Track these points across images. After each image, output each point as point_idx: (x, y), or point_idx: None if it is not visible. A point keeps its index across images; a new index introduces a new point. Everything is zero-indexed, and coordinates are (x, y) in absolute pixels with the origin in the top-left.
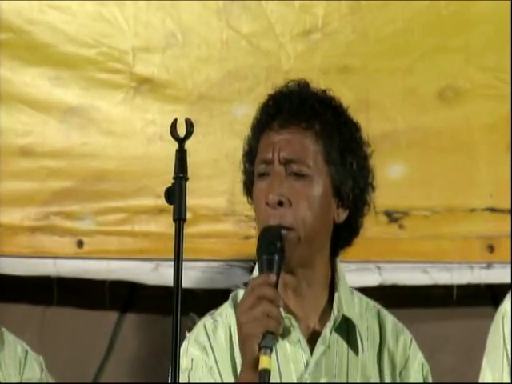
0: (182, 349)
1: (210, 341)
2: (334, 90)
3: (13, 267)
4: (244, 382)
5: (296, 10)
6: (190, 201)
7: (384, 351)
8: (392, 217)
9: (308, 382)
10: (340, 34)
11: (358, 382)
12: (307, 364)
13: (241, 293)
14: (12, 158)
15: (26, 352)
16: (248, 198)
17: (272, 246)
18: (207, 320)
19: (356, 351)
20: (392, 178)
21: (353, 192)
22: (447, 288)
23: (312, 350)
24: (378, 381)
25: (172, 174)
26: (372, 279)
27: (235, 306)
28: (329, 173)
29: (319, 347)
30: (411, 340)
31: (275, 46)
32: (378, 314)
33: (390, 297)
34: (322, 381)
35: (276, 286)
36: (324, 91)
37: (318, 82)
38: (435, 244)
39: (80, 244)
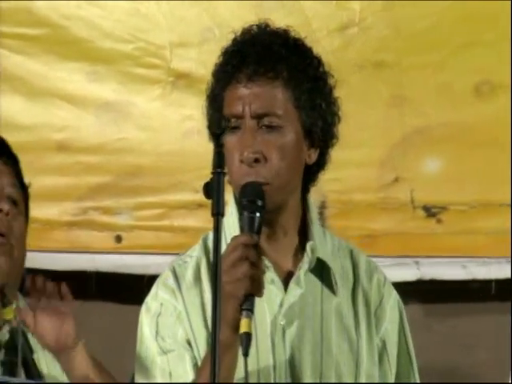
0: (150, 292)
1: (178, 284)
2: (368, 85)
3: (51, 262)
4: (222, 339)
5: (332, 6)
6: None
7: (358, 290)
8: (430, 211)
9: (282, 323)
10: (375, 29)
11: (333, 321)
12: (281, 304)
13: (211, 235)
14: (48, 153)
15: None
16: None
17: (253, 204)
18: (176, 262)
19: (331, 291)
20: (428, 173)
21: (322, 131)
22: (484, 282)
23: (286, 290)
24: (352, 320)
25: (209, 169)
26: (410, 274)
27: (205, 247)
28: (299, 118)
29: (293, 287)
30: (385, 278)
31: (311, 41)
32: (351, 253)
33: (427, 291)
34: (296, 322)
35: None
36: (286, 31)
37: (354, 77)
38: (472, 239)
39: (118, 239)
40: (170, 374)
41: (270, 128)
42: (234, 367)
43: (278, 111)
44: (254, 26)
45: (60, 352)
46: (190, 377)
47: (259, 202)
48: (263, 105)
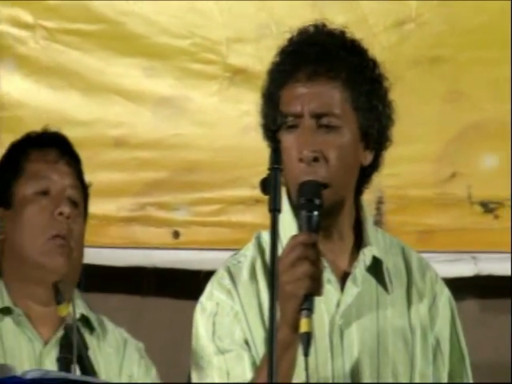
0: (205, 292)
1: (234, 283)
2: (425, 81)
3: (108, 258)
4: (281, 339)
5: (389, 2)
6: None
7: (412, 288)
8: (487, 207)
9: (339, 323)
10: (431, 25)
11: (388, 320)
12: (338, 304)
13: (264, 234)
14: (105, 148)
15: (126, 340)
16: (267, 142)
17: (311, 203)
18: (230, 262)
19: (385, 290)
20: (486, 168)
21: (378, 133)
22: None
23: (342, 289)
24: (406, 318)
25: (266, 165)
26: (467, 269)
27: (259, 245)
28: (357, 119)
29: (350, 286)
30: (436, 275)
31: (368, 37)
32: (403, 251)
33: (484, 287)
34: (353, 322)
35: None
36: (343, 32)
37: (410, 73)
38: None
39: (176, 234)
40: (228, 373)
41: (329, 128)
42: (294, 366)
43: (336, 111)
44: (311, 26)
45: None
46: (249, 376)
47: (317, 201)
48: (322, 104)
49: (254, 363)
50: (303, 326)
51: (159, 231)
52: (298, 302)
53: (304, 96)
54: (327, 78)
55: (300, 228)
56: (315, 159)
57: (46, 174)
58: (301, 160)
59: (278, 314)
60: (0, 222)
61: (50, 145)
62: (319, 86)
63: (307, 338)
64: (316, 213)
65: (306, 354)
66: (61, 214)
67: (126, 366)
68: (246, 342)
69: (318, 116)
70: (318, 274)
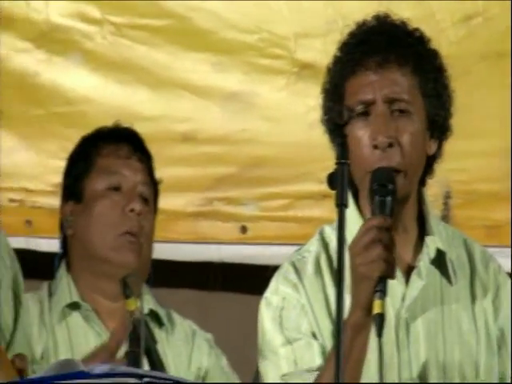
0: (270, 287)
1: (300, 278)
2: (493, 75)
3: (176, 253)
4: (353, 321)
5: None
6: None
7: (476, 280)
8: None
9: (405, 316)
10: (498, 20)
11: (453, 312)
12: (403, 298)
13: (327, 229)
14: (173, 143)
15: (194, 331)
16: (331, 137)
17: (384, 188)
18: (294, 257)
19: (449, 282)
20: None
21: (443, 121)
22: None
23: (407, 282)
24: (471, 310)
25: (333, 160)
26: None
27: (322, 240)
28: (424, 106)
29: (415, 280)
30: (499, 267)
31: (436, 32)
32: (465, 243)
33: None
34: (419, 315)
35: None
36: (405, 22)
37: (478, 67)
38: None
39: (243, 230)
40: (296, 363)
41: (401, 114)
42: (365, 350)
43: (407, 97)
44: (373, 18)
45: None
46: (317, 363)
47: (390, 186)
48: (395, 90)
49: (323, 352)
50: (377, 308)
51: (227, 226)
52: (371, 284)
53: (375, 83)
54: (397, 65)
55: (373, 213)
56: (390, 145)
57: (118, 169)
58: (375, 147)
59: (345, 309)
60: (69, 216)
61: (122, 140)
62: (390, 73)
63: (381, 320)
64: (389, 198)
65: (380, 335)
66: (132, 210)
67: (195, 358)
68: (314, 335)
69: (390, 101)
70: (391, 257)
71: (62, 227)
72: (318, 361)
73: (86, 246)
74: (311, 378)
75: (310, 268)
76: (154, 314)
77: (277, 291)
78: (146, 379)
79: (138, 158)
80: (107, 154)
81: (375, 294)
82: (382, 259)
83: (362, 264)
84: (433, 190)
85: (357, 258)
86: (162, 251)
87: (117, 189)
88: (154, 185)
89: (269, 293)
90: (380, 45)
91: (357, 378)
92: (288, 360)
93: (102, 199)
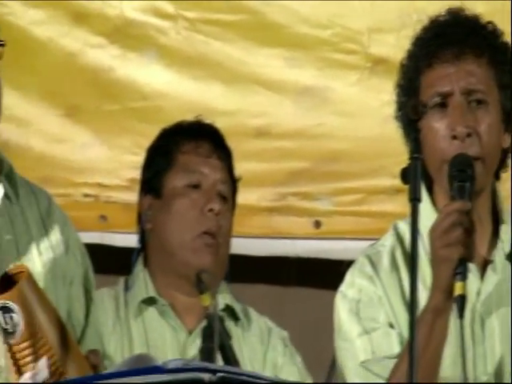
0: (345, 281)
1: (375, 270)
2: None
3: (250, 248)
4: (433, 305)
5: None
6: None
7: None
8: None
9: (480, 311)
10: None
11: None
12: (478, 292)
13: (400, 224)
14: (247, 138)
15: (270, 329)
16: (405, 132)
17: (463, 173)
18: (369, 251)
19: None
20: None
21: None
22: None
23: (482, 277)
24: None
25: (407, 155)
26: None
27: (397, 235)
28: (500, 98)
29: (490, 274)
30: None
31: (509, 26)
32: None
33: None
34: (494, 310)
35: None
36: (477, 16)
37: None
38: None
39: (317, 224)
40: (373, 351)
41: (479, 104)
42: (446, 334)
43: (484, 88)
44: (446, 12)
45: None
46: (396, 351)
47: (469, 171)
48: (472, 81)
49: (401, 342)
50: (458, 289)
51: (301, 221)
52: (452, 266)
53: (452, 75)
54: (473, 57)
55: (452, 198)
56: (468, 135)
57: (198, 167)
58: (454, 137)
59: (420, 302)
60: (148, 211)
61: (203, 136)
62: (466, 65)
63: (462, 301)
64: (468, 183)
65: (461, 316)
66: (211, 210)
67: (270, 355)
68: (391, 325)
69: (468, 93)
70: (470, 241)
71: (140, 221)
72: (396, 349)
73: (163, 244)
74: (390, 364)
75: (385, 261)
76: (229, 310)
77: (353, 284)
78: (219, 374)
79: (217, 155)
80: (187, 151)
81: (456, 277)
82: (462, 242)
83: (442, 247)
84: (506, 185)
85: (437, 241)
86: (237, 246)
87: (196, 187)
88: (233, 182)
89: (344, 286)
90: (456, 37)
91: (436, 363)
92: (366, 350)
93: (181, 197)
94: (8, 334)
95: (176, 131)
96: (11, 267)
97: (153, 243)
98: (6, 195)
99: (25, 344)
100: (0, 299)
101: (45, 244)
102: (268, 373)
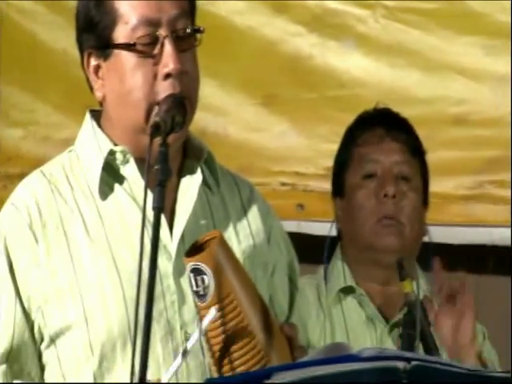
0: None
1: None
2: None
3: (447, 236)
4: None
5: None
6: None
7: None
8: None
9: None
10: None
11: None
12: None
13: None
14: (444, 126)
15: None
16: None
17: None
18: None
19: None
20: None
21: None
22: None
23: None
24: None
25: None
26: None
27: None
28: None
29: None
30: None
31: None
32: None
33: None
34: None
35: None
36: None
37: None
38: None
39: None
40: None
41: None
42: None
43: None
44: None
45: (456, 353)
46: None
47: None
48: None
49: None
50: None
51: (497, 209)
52: None
53: None
54: None
55: None
56: None
57: (371, 156)
58: None
59: None
60: (338, 211)
61: (376, 124)
62: None
63: None
64: None
65: None
66: (385, 195)
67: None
68: None
69: None
70: None
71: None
72: None
73: (352, 236)
74: None
75: None
76: (427, 300)
77: None
78: (414, 362)
79: (391, 137)
80: (362, 143)
81: None
82: None
83: None
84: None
85: None
86: (434, 234)
87: (372, 176)
88: (418, 159)
89: None
90: None
91: None
92: None
93: (359, 190)
94: (199, 296)
95: (355, 124)
96: (206, 234)
97: (345, 239)
98: (205, 183)
99: (217, 306)
100: (191, 261)
101: (244, 232)
102: None
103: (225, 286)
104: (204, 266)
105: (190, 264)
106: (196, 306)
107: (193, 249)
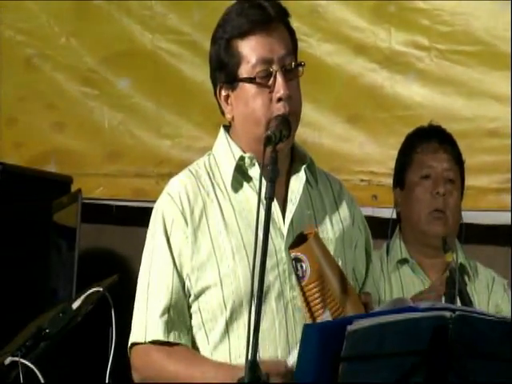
0: None
1: None
2: None
3: (484, 218)
4: None
5: None
6: None
7: None
8: None
9: None
10: None
11: None
12: None
13: None
14: (482, 138)
15: (494, 277)
16: None
17: None
18: None
19: None
20: None
21: None
22: None
23: None
24: None
25: None
26: None
27: None
28: None
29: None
30: None
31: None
32: None
33: None
34: None
35: None
36: None
37: None
38: None
39: None
40: None
41: None
42: None
43: None
44: None
45: None
46: None
47: None
48: None
49: None
50: None
51: None
52: None
53: None
54: None
55: None
56: None
57: (428, 162)
58: None
59: None
60: (398, 199)
61: (431, 137)
62: None
63: None
64: None
65: None
66: (437, 193)
67: (492, 298)
68: None
69: None
70: None
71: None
72: None
73: (409, 221)
74: None
75: None
76: (462, 267)
77: None
78: (458, 312)
79: (443, 150)
80: (421, 151)
81: None
82: None
83: None
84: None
85: None
86: (474, 218)
87: (427, 177)
88: (460, 166)
89: None
90: None
91: None
92: None
93: (417, 186)
94: (299, 278)
95: (414, 135)
96: (305, 229)
97: (403, 221)
98: (307, 181)
99: (312, 285)
100: (293, 252)
101: (336, 218)
102: (491, 311)
103: (319, 270)
104: (303, 256)
105: (293, 254)
106: (297, 283)
107: (296, 239)
